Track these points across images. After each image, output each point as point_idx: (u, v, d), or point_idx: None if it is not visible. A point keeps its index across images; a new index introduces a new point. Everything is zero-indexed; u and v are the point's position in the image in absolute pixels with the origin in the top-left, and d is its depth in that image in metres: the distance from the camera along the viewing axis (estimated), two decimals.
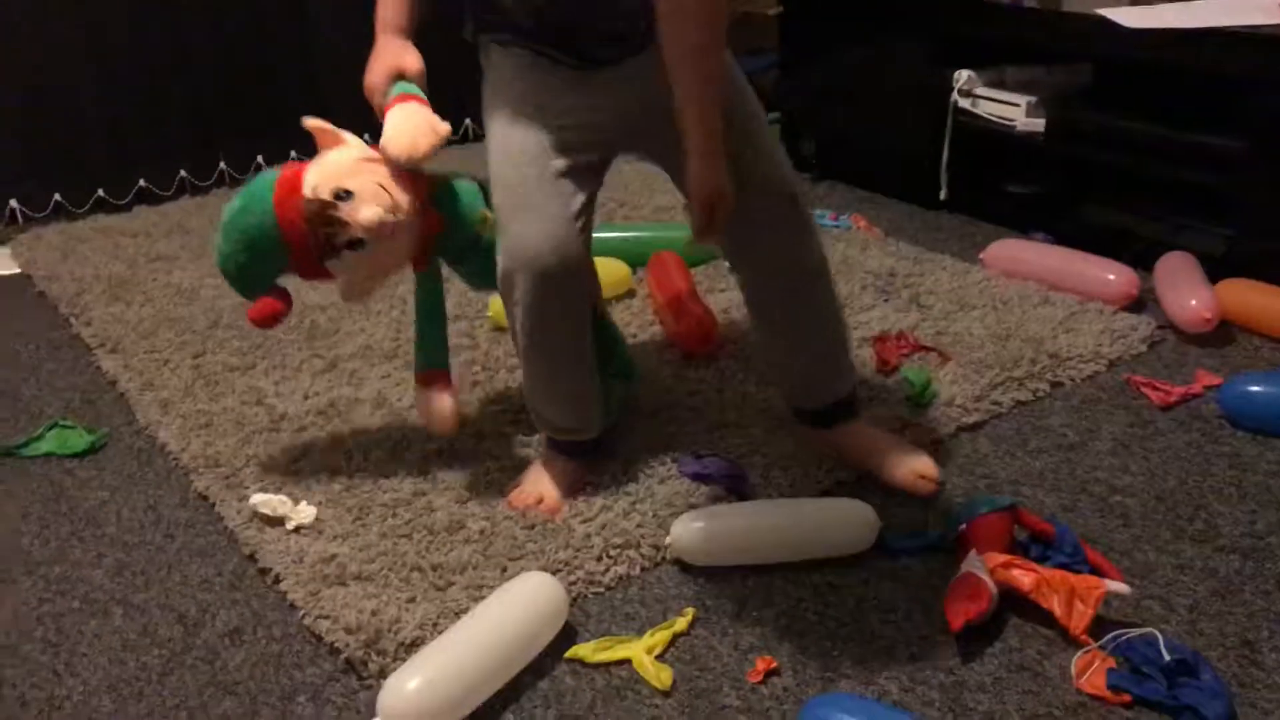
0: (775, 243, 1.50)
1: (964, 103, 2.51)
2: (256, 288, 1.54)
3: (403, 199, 1.46)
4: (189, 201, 2.94)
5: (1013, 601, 1.32)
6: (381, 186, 1.45)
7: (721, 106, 1.34)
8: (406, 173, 1.48)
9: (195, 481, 1.69)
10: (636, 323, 2.11)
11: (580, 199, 1.47)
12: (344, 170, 1.46)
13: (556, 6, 1.41)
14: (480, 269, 1.56)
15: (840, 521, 1.45)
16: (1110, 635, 1.27)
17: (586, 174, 1.49)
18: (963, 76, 2.49)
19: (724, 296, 2.19)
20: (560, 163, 1.45)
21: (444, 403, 1.58)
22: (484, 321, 2.13)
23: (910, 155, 2.65)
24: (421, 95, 1.48)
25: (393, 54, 1.49)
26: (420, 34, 1.53)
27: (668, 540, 1.45)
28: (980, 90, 2.50)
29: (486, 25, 1.49)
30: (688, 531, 1.44)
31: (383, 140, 1.43)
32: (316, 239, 1.45)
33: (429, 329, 1.59)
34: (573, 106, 1.46)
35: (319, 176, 1.46)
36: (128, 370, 2.04)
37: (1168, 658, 1.21)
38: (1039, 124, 2.40)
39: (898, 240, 2.46)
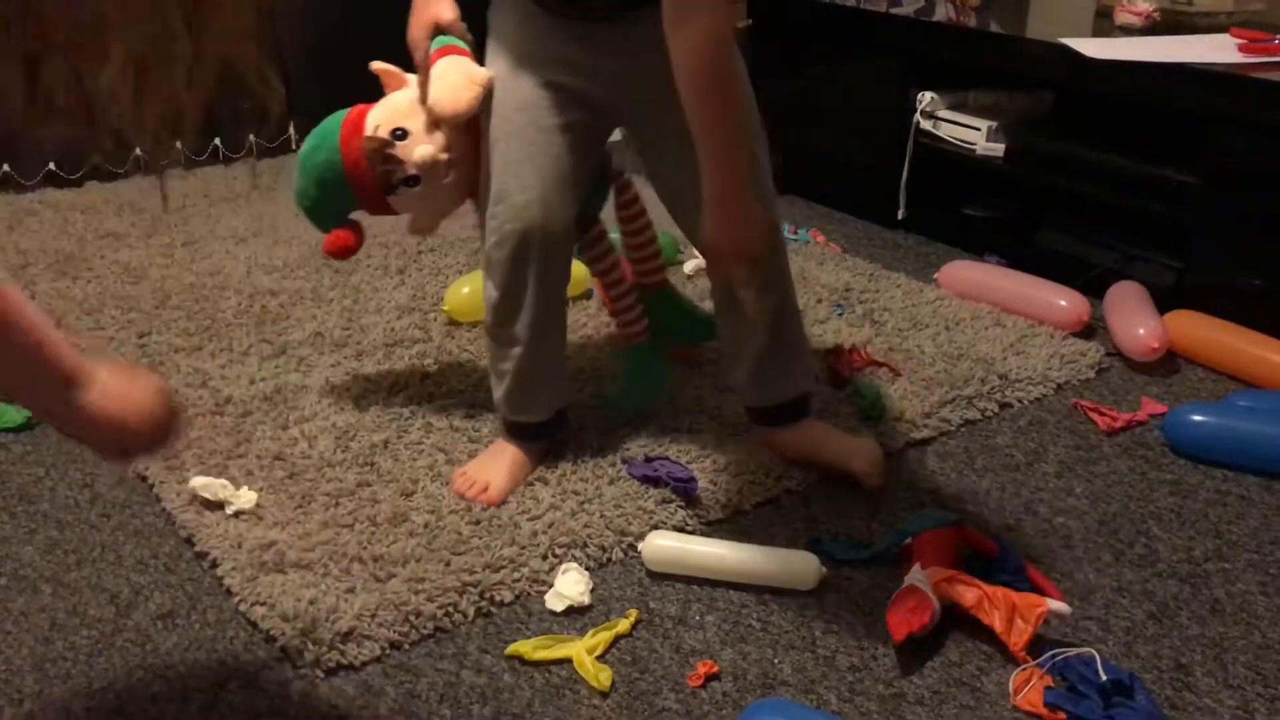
0: None
1: (926, 124, 2.53)
2: (328, 220, 1.63)
3: (455, 138, 1.52)
4: (143, 180, 2.88)
5: (954, 616, 1.33)
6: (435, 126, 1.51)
7: (746, 145, 1.32)
8: None
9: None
10: (591, 324, 2.10)
11: (571, 160, 1.48)
12: (403, 110, 1.54)
13: None
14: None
15: (788, 565, 1.44)
16: (1049, 654, 1.27)
17: (580, 137, 1.50)
18: (926, 98, 2.51)
19: None
20: (554, 119, 1.46)
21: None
22: (437, 314, 2.12)
23: (871, 173, 2.67)
24: (461, 45, 1.53)
25: (428, 7, 1.53)
26: None
27: (640, 546, 1.45)
28: (942, 113, 2.52)
29: None
30: (651, 548, 1.44)
31: (428, 102, 1.49)
32: (376, 176, 1.54)
33: None
34: (568, 61, 1.46)
35: (381, 116, 1.55)
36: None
37: (1104, 678, 1.22)
38: (998, 148, 2.43)
39: (855, 256, 2.47)
